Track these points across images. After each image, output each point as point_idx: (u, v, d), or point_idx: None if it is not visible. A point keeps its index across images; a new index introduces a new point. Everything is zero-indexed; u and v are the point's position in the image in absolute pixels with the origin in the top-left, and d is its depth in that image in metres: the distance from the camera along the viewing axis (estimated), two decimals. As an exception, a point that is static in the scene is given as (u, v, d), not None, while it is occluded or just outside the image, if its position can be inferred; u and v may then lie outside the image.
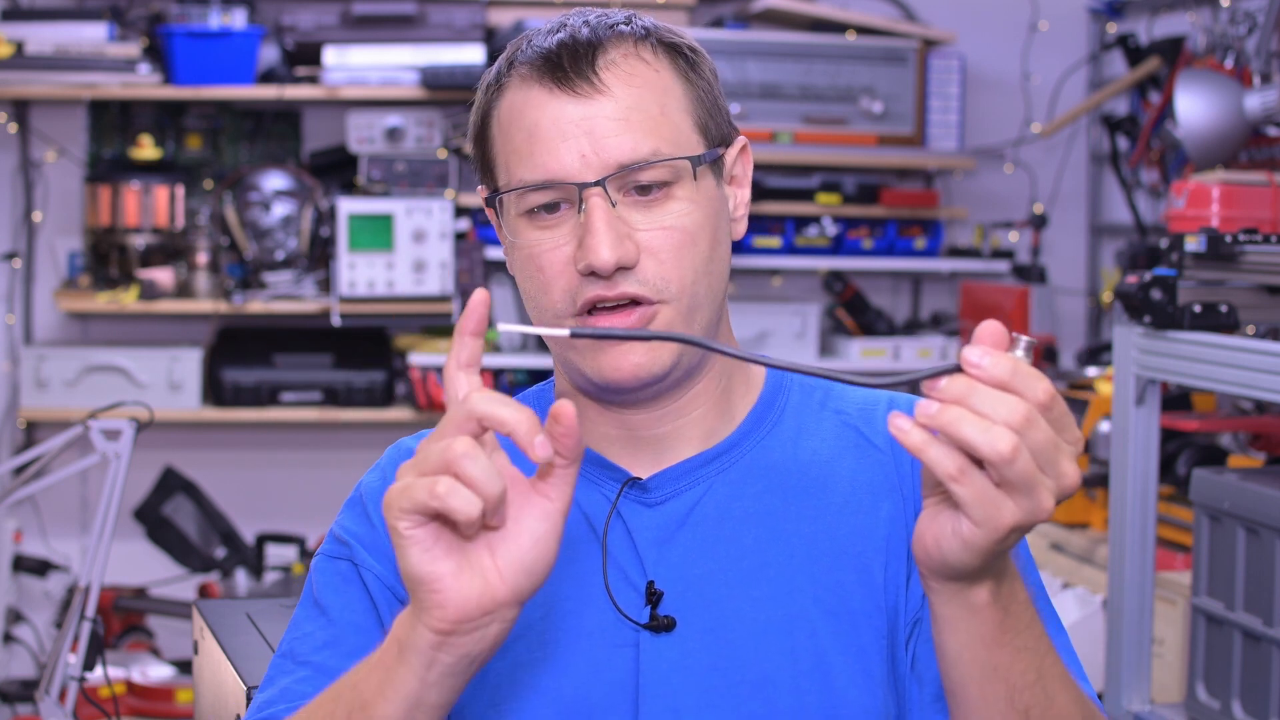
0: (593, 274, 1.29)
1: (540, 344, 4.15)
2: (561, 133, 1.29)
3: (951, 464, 1.05)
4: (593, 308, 1.30)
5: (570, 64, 1.30)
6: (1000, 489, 1.06)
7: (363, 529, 1.38)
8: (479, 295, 1.10)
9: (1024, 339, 1.07)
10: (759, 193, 4.10)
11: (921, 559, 1.13)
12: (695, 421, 1.37)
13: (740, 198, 1.40)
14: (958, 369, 1.06)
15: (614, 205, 1.29)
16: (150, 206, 3.97)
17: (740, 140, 1.40)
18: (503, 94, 1.34)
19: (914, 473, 1.37)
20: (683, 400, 1.37)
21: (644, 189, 1.30)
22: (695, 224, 1.32)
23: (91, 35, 3.91)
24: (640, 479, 1.36)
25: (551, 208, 1.31)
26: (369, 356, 4.08)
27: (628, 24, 1.34)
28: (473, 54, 3.98)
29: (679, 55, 1.35)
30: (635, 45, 1.32)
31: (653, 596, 1.32)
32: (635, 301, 1.30)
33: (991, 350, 1.05)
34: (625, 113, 1.29)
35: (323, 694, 1.22)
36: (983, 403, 1.04)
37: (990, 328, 1.06)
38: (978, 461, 1.05)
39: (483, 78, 1.38)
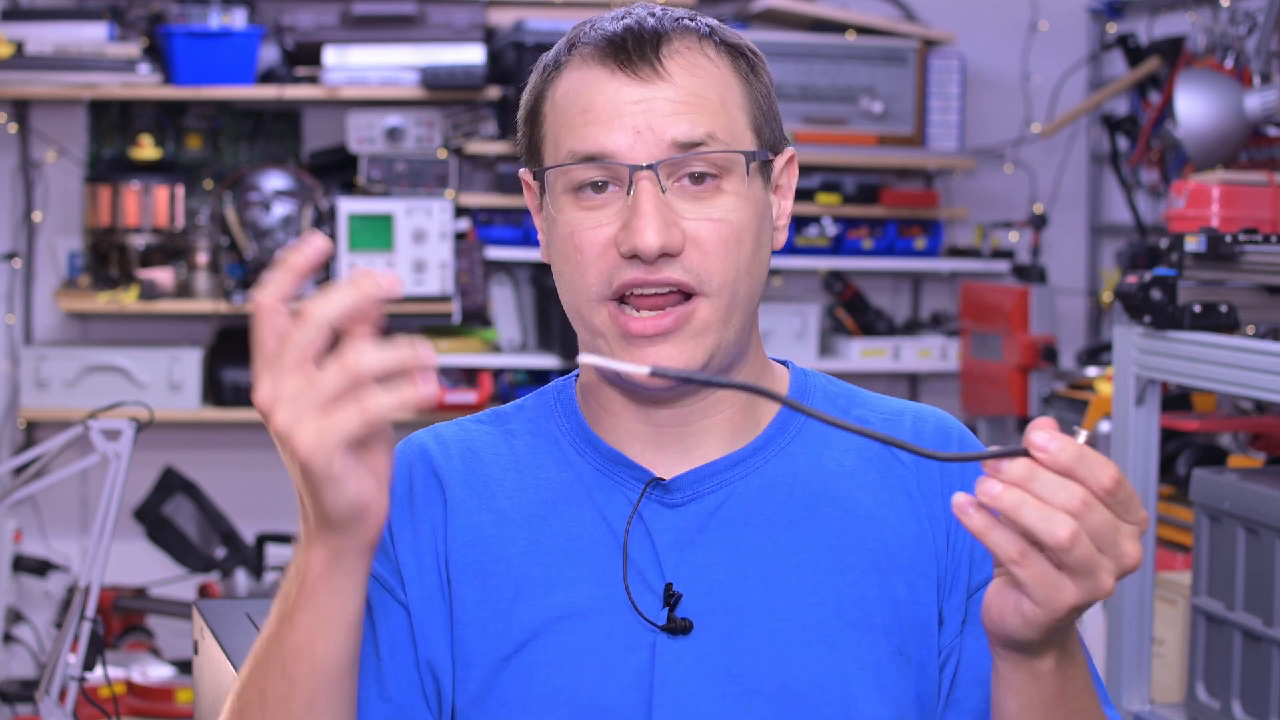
0: (634, 257, 1.28)
1: (540, 345, 4.15)
2: (617, 111, 1.29)
3: (1013, 548, 1.07)
4: (625, 295, 1.30)
5: (635, 47, 1.30)
6: (1060, 571, 1.08)
7: None
8: (320, 244, 1.08)
9: (1084, 432, 1.09)
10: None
11: (989, 628, 1.16)
12: (721, 423, 1.37)
13: (783, 208, 1.39)
14: (1024, 452, 1.07)
15: (664, 191, 1.28)
16: (150, 206, 3.97)
17: (789, 151, 1.40)
18: (561, 74, 1.34)
19: (930, 490, 1.37)
20: (709, 400, 1.36)
21: (696, 178, 1.30)
22: (742, 221, 1.31)
23: (91, 35, 3.91)
24: (663, 479, 1.35)
25: (599, 187, 1.30)
26: (369, 356, 4.07)
27: (692, 20, 1.34)
28: (473, 54, 3.97)
29: (740, 56, 1.35)
30: (699, 40, 1.33)
31: (671, 598, 1.31)
32: (677, 290, 1.29)
33: (1057, 435, 1.07)
34: (685, 97, 1.29)
35: (248, 668, 1.23)
36: (1044, 488, 1.06)
37: (1045, 421, 1.08)
38: (1039, 544, 1.07)
39: (539, 60, 1.38)
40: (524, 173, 1.39)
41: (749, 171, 1.32)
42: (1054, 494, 1.06)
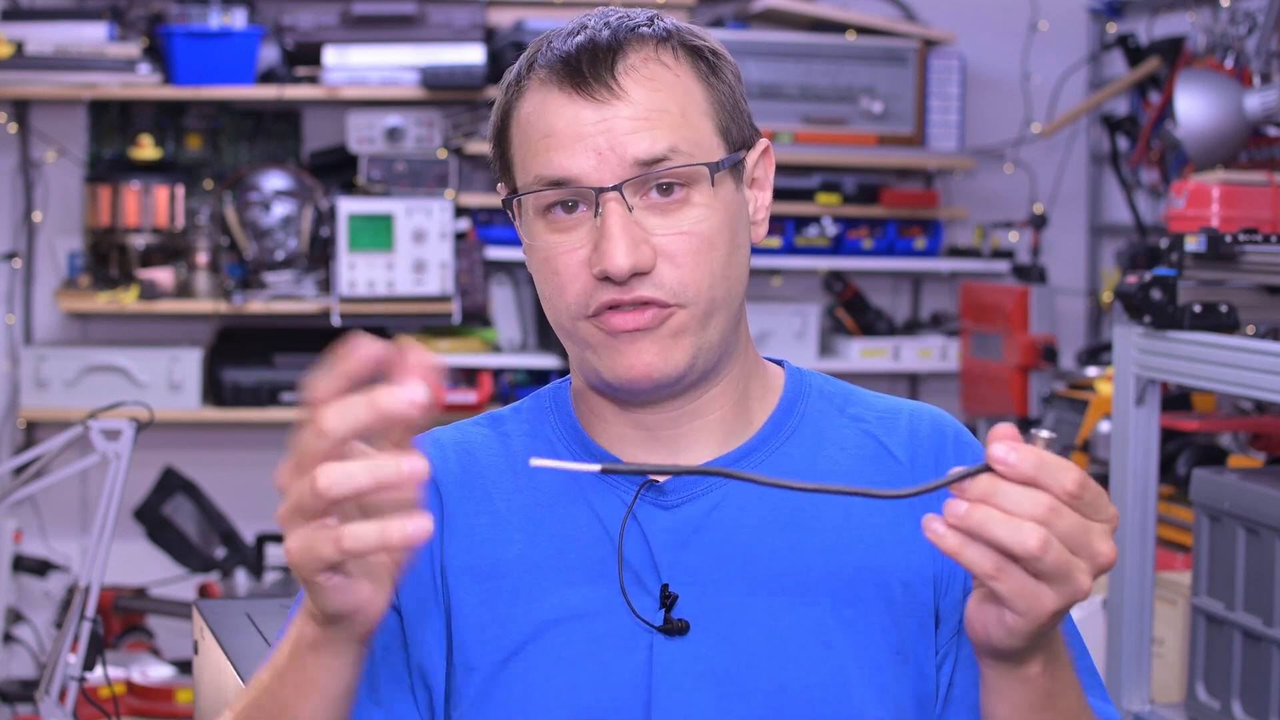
0: (608, 279, 1.28)
1: (540, 345, 4.15)
2: (578, 134, 1.28)
3: (988, 563, 1.08)
4: (604, 309, 1.30)
5: (589, 68, 1.29)
6: (1038, 579, 1.08)
7: None
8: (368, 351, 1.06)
9: (1044, 433, 1.09)
10: (759, 193, 4.10)
11: (973, 641, 1.16)
12: (712, 424, 1.37)
13: (761, 200, 1.39)
14: (987, 469, 1.07)
15: (630, 209, 1.28)
16: (150, 206, 3.97)
17: (762, 143, 1.39)
18: (522, 95, 1.33)
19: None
20: (699, 402, 1.36)
21: (663, 189, 1.30)
22: (713, 229, 1.31)
23: (91, 35, 3.91)
24: (657, 481, 1.35)
25: (569, 207, 1.30)
26: (369, 356, 4.07)
27: (649, 25, 1.33)
28: (473, 54, 3.98)
29: (700, 58, 1.34)
30: (656, 48, 1.32)
31: (667, 599, 1.31)
32: (651, 304, 1.30)
33: (1017, 445, 1.07)
34: (644, 113, 1.29)
35: (245, 701, 1.23)
36: (1008, 500, 1.06)
37: (1005, 430, 1.08)
38: (1011, 555, 1.07)
39: (504, 77, 1.37)
40: (501, 188, 1.40)
41: (715, 181, 1.31)
42: (1019, 505, 1.06)
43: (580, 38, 1.31)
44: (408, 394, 1.04)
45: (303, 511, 1.06)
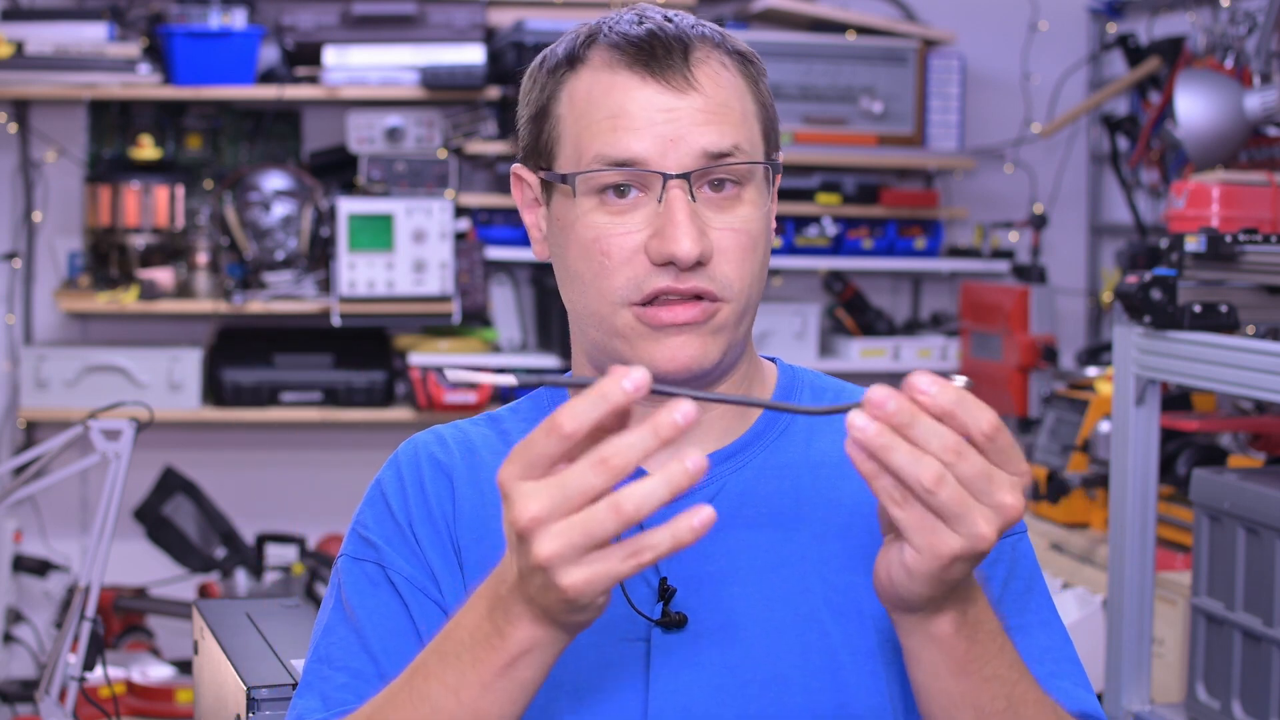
0: (668, 264, 1.29)
1: (540, 345, 4.15)
2: (649, 119, 1.29)
3: (897, 490, 1.08)
4: (654, 298, 1.31)
5: (663, 54, 1.30)
6: (938, 517, 1.08)
7: (387, 526, 1.38)
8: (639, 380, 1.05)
9: (962, 379, 1.09)
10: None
11: (881, 595, 1.16)
12: (713, 419, 1.38)
13: (772, 209, 1.41)
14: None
15: (693, 200, 1.29)
16: (150, 206, 3.97)
17: (779, 155, 1.41)
18: (579, 74, 1.33)
19: None
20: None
21: (717, 185, 1.31)
22: (758, 229, 1.33)
23: (91, 35, 3.91)
24: None
25: (622, 191, 1.31)
26: (369, 356, 4.08)
27: (703, 27, 1.35)
28: (473, 54, 3.97)
29: (749, 63, 1.37)
30: (714, 48, 1.34)
31: (665, 593, 1.32)
32: (700, 296, 1.31)
33: (940, 380, 1.07)
34: (713, 107, 1.30)
35: (402, 704, 1.20)
36: (919, 432, 1.06)
37: (924, 371, 1.09)
38: (908, 486, 1.07)
39: (544, 58, 1.37)
40: (521, 169, 1.39)
41: (769, 181, 1.34)
42: (928, 439, 1.06)
43: (648, 24, 1.32)
44: (684, 415, 1.04)
45: (594, 542, 1.04)
